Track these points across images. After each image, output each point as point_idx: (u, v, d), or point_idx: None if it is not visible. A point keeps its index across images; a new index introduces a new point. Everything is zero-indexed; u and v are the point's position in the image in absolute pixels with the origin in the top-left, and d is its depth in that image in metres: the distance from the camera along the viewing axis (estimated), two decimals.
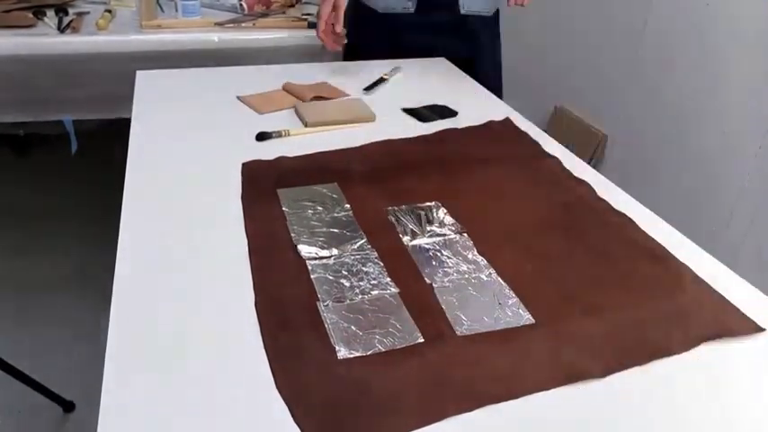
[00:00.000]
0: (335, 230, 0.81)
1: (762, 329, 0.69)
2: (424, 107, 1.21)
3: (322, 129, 1.10)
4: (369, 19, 1.41)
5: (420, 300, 0.70)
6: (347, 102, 1.23)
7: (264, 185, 0.90)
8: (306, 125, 1.12)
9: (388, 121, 1.16)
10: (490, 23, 1.46)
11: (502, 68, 1.52)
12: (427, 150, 1.06)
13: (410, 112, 1.20)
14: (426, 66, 1.47)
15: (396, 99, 1.24)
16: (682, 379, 0.62)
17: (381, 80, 1.31)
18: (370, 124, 1.14)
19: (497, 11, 1.47)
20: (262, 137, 1.04)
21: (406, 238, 0.81)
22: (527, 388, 0.59)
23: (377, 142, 1.06)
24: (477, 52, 1.45)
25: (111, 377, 0.58)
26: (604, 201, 0.92)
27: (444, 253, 0.78)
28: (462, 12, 1.39)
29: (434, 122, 1.16)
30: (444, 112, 1.20)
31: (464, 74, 1.44)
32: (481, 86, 1.37)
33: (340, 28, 1.25)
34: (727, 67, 1.65)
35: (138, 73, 1.30)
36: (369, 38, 1.42)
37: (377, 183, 0.93)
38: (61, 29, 1.67)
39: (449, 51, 1.46)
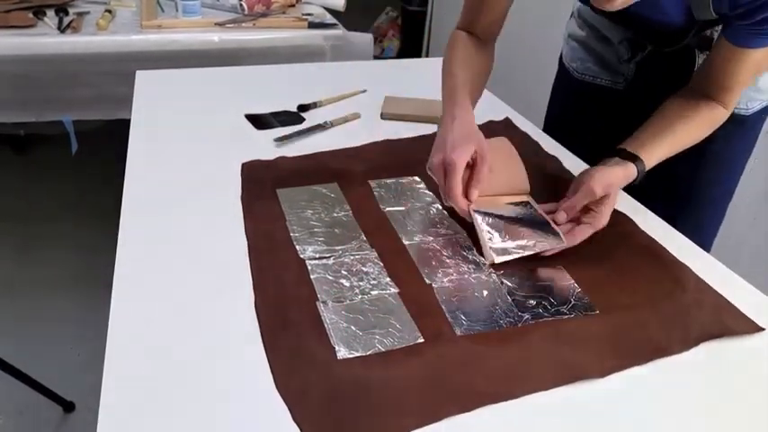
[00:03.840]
0: (335, 230, 0.81)
1: (762, 329, 0.69)
2: (271, 113, 1.14)
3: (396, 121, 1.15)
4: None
5: (420, 300, 0.70)
6: (430, 101, 1.22)
7: (264, 185, 0.90)
8: (381, 116, 1.16)
9: (389, 122, 1.16)
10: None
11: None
12: (427, 150, 1.05)
13: (252, 118, 1.12)
14: (426, 66, 1.47)
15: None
16: (682, 379, 0.62)
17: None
18: (370, 124, 1.14)
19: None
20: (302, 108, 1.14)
21: (405, 238, 0.81)
22: (527, 388, 0.59)
23: (377, 142, 1.06)
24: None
25: (111, 377, 0.58)
26: None
27: (444, 253, 0.78)
28: None
29: (279, 129, 1.09)
30: (290, 119, 1.13)
31: None
32: None
33: (476, 193, 0.79)
34: None
35: (138, 73, 1.30)
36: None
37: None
38: (61, 29, 1.67)
39: None
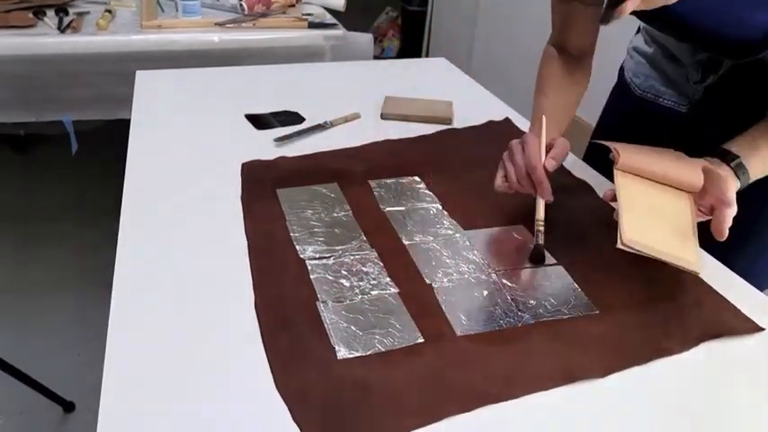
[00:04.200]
0: (335, 230, 0.81)
1: (762, 329, 0.69)
2: (270, 113, 1.14)
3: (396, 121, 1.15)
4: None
5: (420, 300, 0.70)
6: (430, 101, 1.23)
7: (264, 185, 0.90)
8: (381, 116, 1.16)
9: (389, 122, 1.16)
10: None
11: None
12: (427, 150, 1.06)
13: (252, 118, 1.12)
14: (426, 66, 1.47)
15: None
16: (682, 379, 0.62)
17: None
18: (370, 124, 1.14)
19: None
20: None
21: (405, 238, 0.81)
22: (527, 388, 0.59)
23: (377, 142, 1.07)
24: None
25: (111, 377, 0.58)
26: (605, 201, 0.92)
27: (444, 253, 0.78)
28: None
29: (279, 129, 1.09)
30: (290, 119, 1.13)
31: (464, 74, 1.44)
32: (481, 86, 1.37)
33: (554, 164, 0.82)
34: None
35: (138, 73, 1.30)
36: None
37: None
38: (61, 29, 1.67)
39: None
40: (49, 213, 2.22)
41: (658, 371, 0.63)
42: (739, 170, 0.75)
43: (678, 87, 0.96)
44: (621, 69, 1.09)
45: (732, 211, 0.70)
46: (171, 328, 0.64)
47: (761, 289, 0.79)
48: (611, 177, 0.79)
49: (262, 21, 1.85)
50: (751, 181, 0.76)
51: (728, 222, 0.70)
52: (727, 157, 0.76)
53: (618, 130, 1.02)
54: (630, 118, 1.04)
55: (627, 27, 1.05)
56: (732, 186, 0.72)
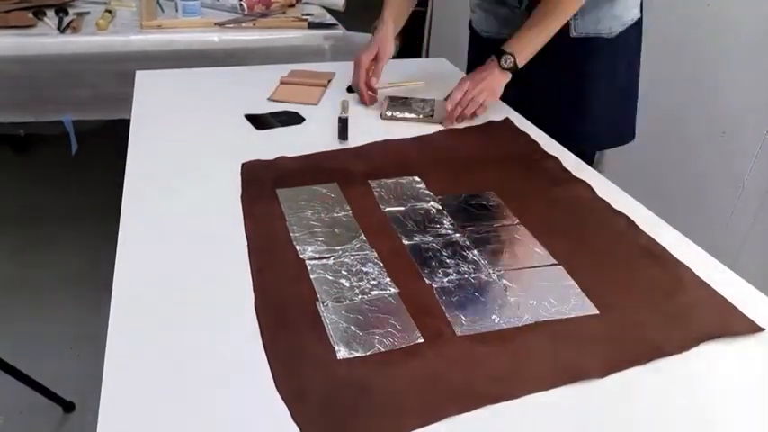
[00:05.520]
0: (335, 230, 0.81)
1: (762, 329, 0.69)
2: (270, 113, 1.15)
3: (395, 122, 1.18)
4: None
5: (420, 300, 0.70)
6: (430, 101, 1.23)
7: (264, 186, 0.90)
8: (381, 116, 1.18)
9: (389, 122, 1.16)
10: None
11: (630, 97, 1.34)
12: (427, 151, 1.06)
13: (251, 118, 1.13)
14: (426, 66, 1.47)
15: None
16: (682, 379, 0.62)
17: (343, 121, 1.10)
18: (370, 124, 1.14)
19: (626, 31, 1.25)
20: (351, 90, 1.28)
21: (405, 238, 0.81)
22: (527, 388, 0.59)
23: (377, 142, 1.06)
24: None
25: (111, 377, 0.58)
26: (604, 201, 0.92)
27: (444, 253, 0.78)
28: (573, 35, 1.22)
29: (279, 129, 1.10)
30: (290, 119, 1.14)
31: (464, 74, 1.44)
32: None
33: (377, 82, 1.22)
34: (728, 66, 1.65)
35: (138, 73, 1.30)
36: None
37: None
38: (61, 29, 1.67)
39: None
40: (48, 213, 2.22)
41: (658, 371, 0.63)
42: (502, 57, 1.13)
43: (509, 23, 1.25)
44: (471, 23, 1.41)
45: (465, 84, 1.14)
46: (171, 328, 0.64)
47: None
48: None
49: (262, 21, 1.85)
50: (522, 62, 1.14)
51: (456, 96, 1.14)
52: (498, 54, 1.14)
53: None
54: (484, 55, 1.30)
55: None
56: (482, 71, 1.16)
